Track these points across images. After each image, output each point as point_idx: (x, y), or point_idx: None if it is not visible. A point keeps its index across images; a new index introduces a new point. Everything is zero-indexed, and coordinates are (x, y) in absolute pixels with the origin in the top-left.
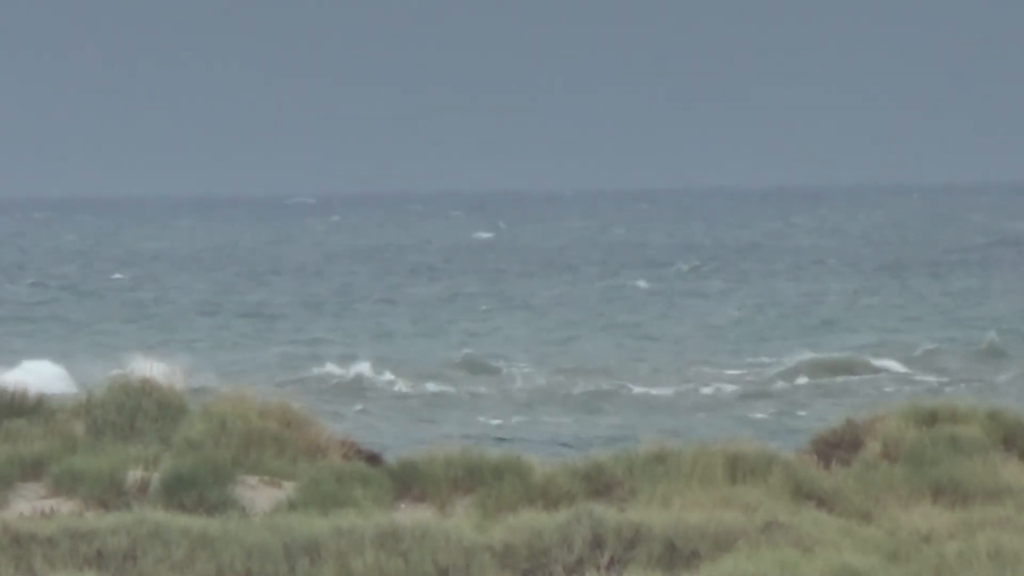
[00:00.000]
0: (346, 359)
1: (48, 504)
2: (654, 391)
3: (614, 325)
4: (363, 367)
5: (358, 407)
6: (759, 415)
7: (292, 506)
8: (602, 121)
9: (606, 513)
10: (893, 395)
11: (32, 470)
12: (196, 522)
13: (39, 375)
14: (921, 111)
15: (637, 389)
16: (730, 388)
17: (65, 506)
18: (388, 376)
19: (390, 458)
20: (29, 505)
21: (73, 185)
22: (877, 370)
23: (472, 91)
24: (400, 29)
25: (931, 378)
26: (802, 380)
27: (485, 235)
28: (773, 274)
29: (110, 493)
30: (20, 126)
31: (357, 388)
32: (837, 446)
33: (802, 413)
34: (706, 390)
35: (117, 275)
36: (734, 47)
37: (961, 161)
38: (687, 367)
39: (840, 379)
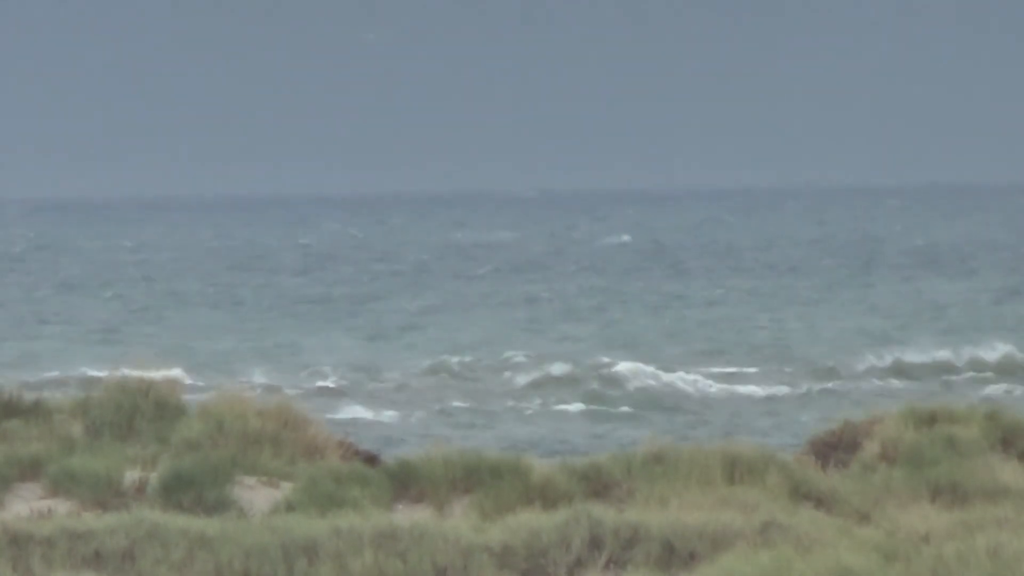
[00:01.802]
0: None
1: (46, 504)
2: None
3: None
4: None
5: None
6: None
7: (290, 506)
8: (599, 122)
9: (604, 513)
10: None
11: (30, 470)
12: (194, 522)
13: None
14: (916, 112)
15: None
16: None
17: (63, 506)
18: None
19: (388, 458)
20: (27, 505)
21: (69, 186)
22: None
23: (470, 92)
24: (401, 30)
25: None
26: None
27: (624, 238)
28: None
29: (108, 493)
30: (20, 127)
31: None
32: (835, 447)
33: None
34: None
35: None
36: (732, 47)
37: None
38: None
39: None
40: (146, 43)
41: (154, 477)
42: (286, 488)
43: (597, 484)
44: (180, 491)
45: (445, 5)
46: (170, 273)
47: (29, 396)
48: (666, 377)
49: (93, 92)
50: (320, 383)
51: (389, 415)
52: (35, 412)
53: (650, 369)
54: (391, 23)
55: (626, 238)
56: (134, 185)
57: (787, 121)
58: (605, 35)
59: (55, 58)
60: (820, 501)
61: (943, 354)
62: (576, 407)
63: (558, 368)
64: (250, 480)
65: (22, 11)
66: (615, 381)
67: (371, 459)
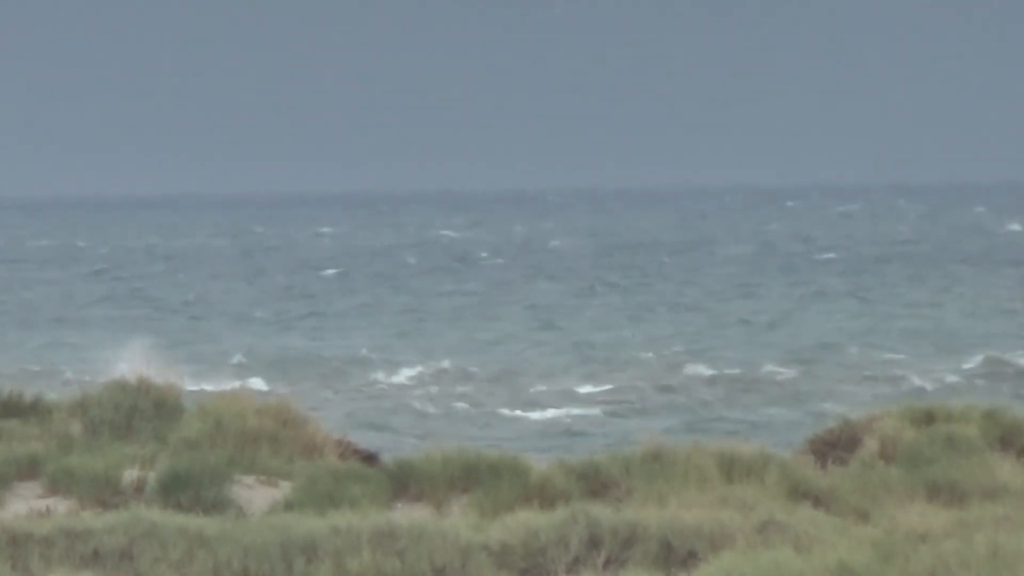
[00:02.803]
0: None
1: (45, 503)
2: None
3: None
4: None
5: None
6: None
7: (289, 505)
8: (596, 121)
9: (602, 513)
10: None
11: (29, 469)
12: (193, 521)
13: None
14: (915, 111)
15: None
16: None
17: (62, 505)
18: None
19: (387, 457)
20: (26, 504)
21: (67, 184)
22: None
23: (472, 92)
24: (401, 31)
25: None
26: None
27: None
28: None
29: (107, 492)
30: (20, 126)
31: None
32: (834, 445)
33: None
34: None
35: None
36: (732, 46)
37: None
38: None
39: None
40: (146, 43)
41: (152, 476)
42: (285, 487)
43: (595, 483)
44: (179, 490)
45: (445, 5)
46: (165, 272)
47: (28, 395)
48: (670, 374)
49: (93, 91)
50: (318, 380)
51: (389, 413)
52: (34, 411)
53: (655, 366)
54: (391, 23)
55: (654, 232)
56: (134, 184)
57: (788, 121)
58: (605, 35)
59: (55, 57)
60: (818, 500)
61: (951, 358)
62: (578, 405)
63: (559, 367)
64: (249, 479)
65: (22, 11)
66: (617, 379)
67: (370, 458)
